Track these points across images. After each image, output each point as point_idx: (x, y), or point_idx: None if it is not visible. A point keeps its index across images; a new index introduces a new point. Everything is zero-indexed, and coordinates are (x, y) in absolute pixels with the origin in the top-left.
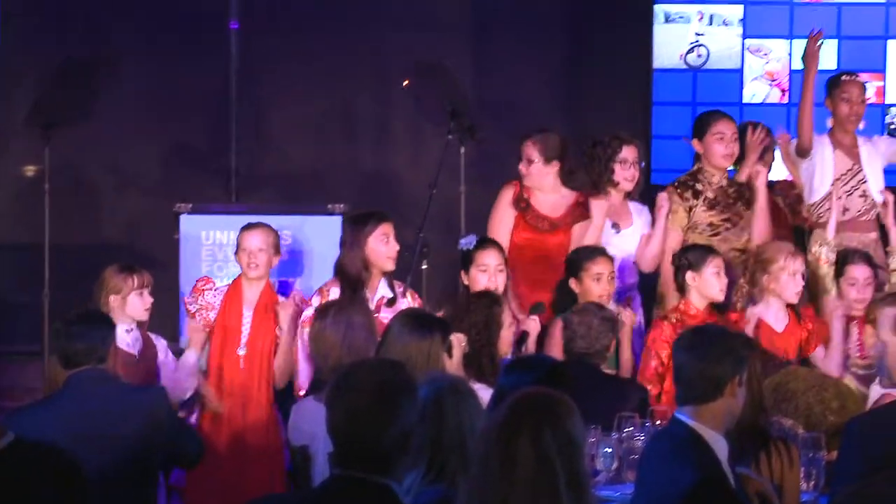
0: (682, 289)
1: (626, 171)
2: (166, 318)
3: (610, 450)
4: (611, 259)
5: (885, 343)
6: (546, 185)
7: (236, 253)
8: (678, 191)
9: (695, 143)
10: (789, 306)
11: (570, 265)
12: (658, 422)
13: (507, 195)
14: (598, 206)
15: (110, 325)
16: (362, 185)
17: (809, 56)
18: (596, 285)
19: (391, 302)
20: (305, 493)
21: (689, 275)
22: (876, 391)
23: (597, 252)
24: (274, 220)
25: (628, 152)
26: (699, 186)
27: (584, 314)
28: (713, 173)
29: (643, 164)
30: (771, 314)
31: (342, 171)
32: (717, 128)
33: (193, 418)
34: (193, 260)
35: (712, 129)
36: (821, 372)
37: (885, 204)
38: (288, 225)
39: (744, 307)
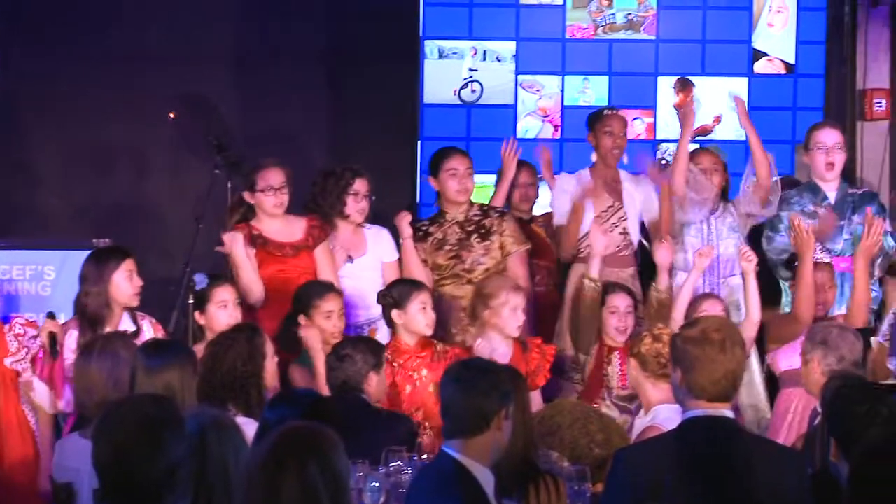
0: (391, 325)
1: (357, 204)
2: None
3: (377, 484)
4: (340, 294)
5: None
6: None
7: None
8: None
9: (431, 180)
10: (515, 338)
11: (299, 301)
12: (425, 455)
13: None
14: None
15: None
16: (127, 219)
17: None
18: (327, 322)
19: (134, 335)
20: None
21: (394, 312)
22: (640, 424)
23: (326, 288)
24: (36, 256)
25: (360, 184)
26: (431, 228)
27: (345, 347)
28: (449, 209)
29: (374, 197)
30: (492, 348)
31: (106, 205)
32: (450, 164)
33: None
34: None
35: (445, 166)
36: (585, 405)
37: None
38: (50, 260)
39: (468, 343)
